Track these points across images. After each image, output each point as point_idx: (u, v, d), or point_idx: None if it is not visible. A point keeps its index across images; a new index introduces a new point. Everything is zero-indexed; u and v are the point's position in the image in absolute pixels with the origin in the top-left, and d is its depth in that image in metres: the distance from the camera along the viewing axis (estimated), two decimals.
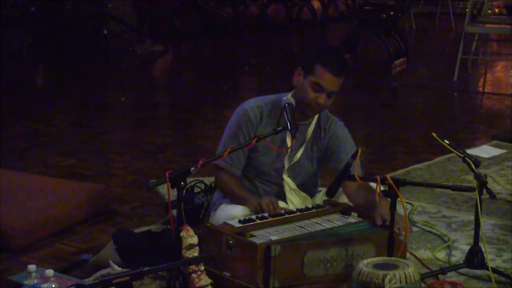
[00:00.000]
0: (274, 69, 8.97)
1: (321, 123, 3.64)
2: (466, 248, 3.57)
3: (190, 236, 3.07)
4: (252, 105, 3.61)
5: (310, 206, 3.54)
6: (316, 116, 3.62)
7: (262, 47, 11.31)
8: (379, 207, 3.31)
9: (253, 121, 3.56)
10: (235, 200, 3.55)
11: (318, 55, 3.48)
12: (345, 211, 3.49)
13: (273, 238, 3.13)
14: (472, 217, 3.51)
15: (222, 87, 8.14)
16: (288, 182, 3.62)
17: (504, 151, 5.53)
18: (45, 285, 2.82)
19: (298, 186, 3.66)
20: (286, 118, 3.37)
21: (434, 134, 3.46)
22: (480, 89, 8.47)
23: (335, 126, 3.66)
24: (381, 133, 6.32)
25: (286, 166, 3.61)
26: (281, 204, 3.53)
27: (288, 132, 3.43)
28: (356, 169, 3.23)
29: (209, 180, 4.03)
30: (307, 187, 3.71)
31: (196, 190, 4.05)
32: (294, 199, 3.63)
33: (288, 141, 3.55)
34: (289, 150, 3.57)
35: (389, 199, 3.24)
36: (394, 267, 2.86)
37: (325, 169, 3.75)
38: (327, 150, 3.64)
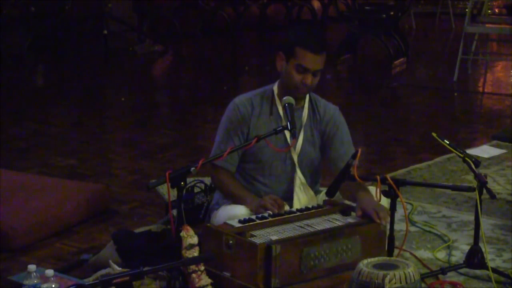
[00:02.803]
0: (274, 69, 8.96)
1: (314, 106, 3.64)
2: (466, 248, 3.57)
3: (190, 236, 3.07)
4: (241, 98, 3.64)
5: (310, 206, 3.54)
6: (307, 100, 3.62)
7: (262, 47, 11.30)
8: (358, 199, 3.35)
9: (244, 114, 3.58)
10: (234, 199, 3.54)
11: (296, 37, 3.50)
12: (345, 211, 3.49)
13: (273, 238, 3.13)
14: (472, 217, 3.51)
15: (222, 87, 8.14)
16: (300, 176, 3.61)
17: (504, 151, 5.52)
18: (45, 285, 2.82)
19: (305, 177, 3.64)
20: (286, 118, 3.39)
21: (434, 134, 3.46)
22: (480, 89, 8.47)
23: (331, 110, 3.66)
24: (381, 133, 6.32)
25: (296, 158, 3.59)
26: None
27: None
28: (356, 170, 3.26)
29: (209, 180, 4.02)
30: (312, 178, 3.67)
31: (196, 190, 4.05)
32: (301, 195, 3.61)
33: (287, 133, 3.55)
34: (298, 147, 3.57)
35: (370, 193, 3.28)
36: (394, 267, 2.86)
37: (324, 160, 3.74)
38: (324, 135, 3.64)
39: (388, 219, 3.25)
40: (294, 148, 3.59)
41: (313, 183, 3.71)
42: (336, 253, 3.17)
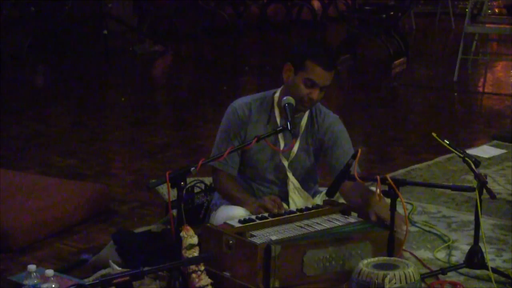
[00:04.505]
0: (274, 69, 8.97)
1: (313, 115, 3.63)
2: (466, 248, 3.57)
3: (190, 236, 3.07)
4: (240, 102, 3.61)
5: (310, 206, 3.54)
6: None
7: (262, 47, 11.31)
8: (373, 203, 3.33)
9: (242, 118, 3.56)
10: (234, 202, 3.54)
11: (308, 51, 3.46)
12: (345, 211, 3.49)
13: (273, 238, 3.13)
14: (472, 217, 3.51)
15: (222, 87, 8.14)
16: (293, 180, 3.61)
17: (504, 151, 5.53)
18: (45, 285, 2.82)
19: (299, 182, 3.65)
20: (286, 118, 3.38)
21: (434, 134, 3.46)
22: (480, 89, 8.48)
23: (330, 119, 3.64)
24: (381, 133, 6.32)
25: (286, 164, 3.60)
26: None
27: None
28: (356, 170, 3.25)
29: (209, 180, 4.03)
30: (307, 183, 3.69)
31: (196, 190, 4.05)
32: (297, 198, 3.62)
33: (281, 140, 3.55)
34: (293, 152, 3.57)
35: (385, 198, 3.26)
36: (394, 267, 2.86)
37: (323, 166, 3.73)
38: (323, 144, 3.62)
39: (404, 227, 3.24)
40: (288, 155, 3.59)
41: (309, 186, 3.71)
42: (344, 258, 3.14)
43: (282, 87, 3.57)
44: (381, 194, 3.18)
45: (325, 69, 3.42)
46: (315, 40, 3.72)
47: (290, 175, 3.61)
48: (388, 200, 3.21)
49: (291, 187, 3.62)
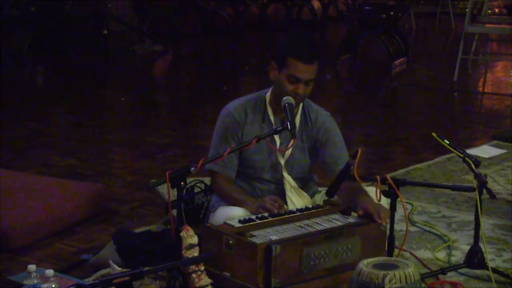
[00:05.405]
0: None
1: (306, 113, 3.64)
2: (466, 248, 3.57)
3: (190, 236, 3.07)
4: (235, 104, 3.63)
5: (310, 206, 3.54)
6: (300, 107, 3.61)
7: (262, 47, 11.31)
8: (359, 200, 3.36)
9: (238, 120, 3.57)
10: (233, 204, 3.54)
11: (288, 47, 3.49)
12: (345, 211, 3.49)
13: (273, 238, 3.13)
14: (472, 217, 3.52)
15: (222, 87, 8.14)
16: (289, 180, 3.62)
17: (504, 151, 5.53)
18: (45, 285, 2.83)
19: (296, 181, 3.65)
20: (287, 118, 3.38)
21: (434, 134, 3.46)
22: (480, 89, 8.48)
23: (322, 116, 3.66)
24: (381, 133, 6.32)
25: (283, 162, 3.60)
26: None
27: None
28: (355, 169, 3.26)
29: (209, 180, 4.02)
30: (304, 183, 3.70)
31: (196, 190, 4.05)
32: (294, 198, 3.63)
33: (277, 139, 3.56)
34: (288, 150, 3.57)
35: (369, 195, 3.29)
36: (394, 267, 2.86)
37: (317, 164, 3.73)
38: (317, 142, 3.63)
39: (388, 219, 3.26)
40: (283, 154, 3.59)
41: (306, 186, 3.71)
42: (336, 253, 3.17)
43: (272, 86, 3.59)
44: (365, 189, 3.21)
45: (306, 63, 3.43)
46: (294, 36, 3.72)
47: (285, 174, 3.61)
48: (373, 195, 3.25)
49: (287, 186, 3.62)
